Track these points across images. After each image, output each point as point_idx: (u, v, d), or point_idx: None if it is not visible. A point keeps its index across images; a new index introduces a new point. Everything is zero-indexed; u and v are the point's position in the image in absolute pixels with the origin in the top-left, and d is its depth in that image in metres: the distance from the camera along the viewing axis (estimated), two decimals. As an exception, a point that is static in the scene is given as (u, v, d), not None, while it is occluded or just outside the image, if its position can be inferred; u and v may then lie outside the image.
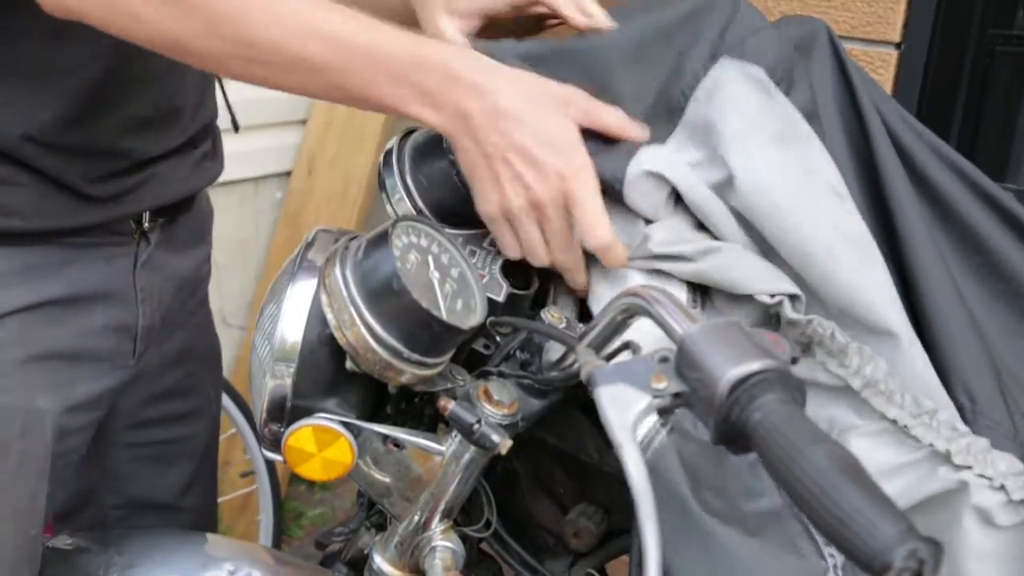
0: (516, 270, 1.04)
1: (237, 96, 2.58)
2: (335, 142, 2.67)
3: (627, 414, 0.75)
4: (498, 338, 1.02)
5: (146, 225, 1.26)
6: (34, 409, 1.18)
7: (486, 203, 0.97)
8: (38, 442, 1.20)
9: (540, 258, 0.99)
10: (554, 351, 0.99)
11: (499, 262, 1.03)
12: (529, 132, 0.93)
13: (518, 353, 1.01)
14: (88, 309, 1.21)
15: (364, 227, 2.63)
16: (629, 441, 0.73)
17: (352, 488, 2.95)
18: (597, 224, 0.95)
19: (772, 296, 0.94)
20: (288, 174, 2.79)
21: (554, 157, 0.94)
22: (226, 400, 2.22)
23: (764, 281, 0.95)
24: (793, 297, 0.95)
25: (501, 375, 0.98)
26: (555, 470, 1.09)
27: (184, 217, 1.34)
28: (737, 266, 0.96)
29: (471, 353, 1.02)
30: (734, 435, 0.71)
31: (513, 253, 1.00)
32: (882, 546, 0.61)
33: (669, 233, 0.98)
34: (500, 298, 1.00)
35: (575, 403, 1.03)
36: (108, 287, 1.23)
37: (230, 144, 2.66)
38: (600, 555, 1.11)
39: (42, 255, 1.16)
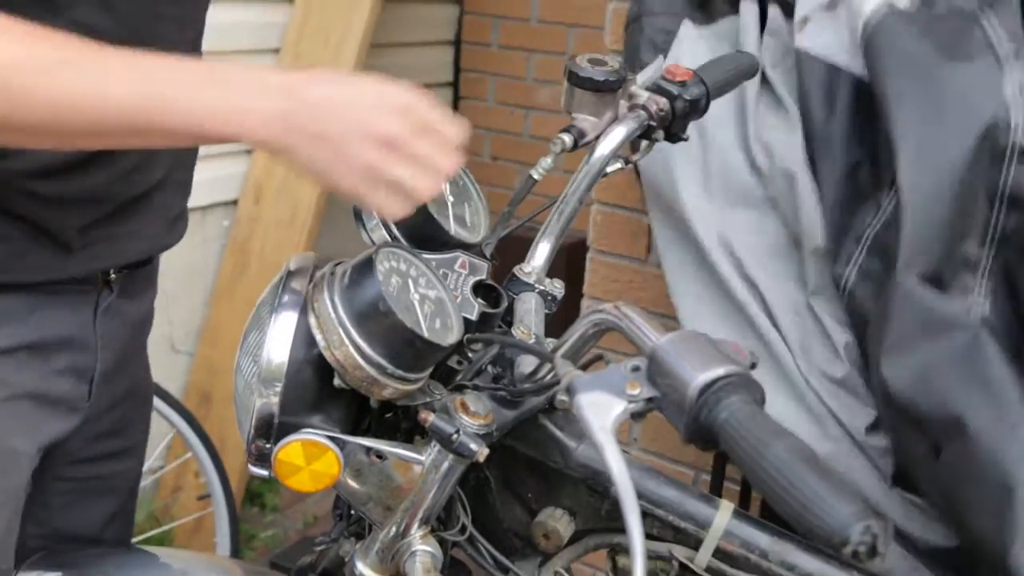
0: (486, 292, 1.11)
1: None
2: (282, 170, 2.72)
3: (606, 418, 0.83)
4: (470, 354, 1.10)
5: (112, 276, 1.31)
6: (11, 449, 1.23)
7: (344, 175, 0.95)
8: (15, 480, 1.24)
9: (431, 186, 0.97)
10: (525, 364, 1.06)
11: (470, 283, 1.10)
12: (351, 96, 0.96)
13: (489, 368, 1.08)
14: (55, 354, 1.26)
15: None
16: (610, 442, 0.81)
17: (302, 511, 3.00)
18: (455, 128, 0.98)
19: None
20: (235, 202, 2.83)
21: (386, 100, 0.96)
22: (183, 424, 2.26)
23: None
24: None
25: (476, 388, 1.06)
26: (524, 476, 1.16)
27: (144, 267, 1.39)
28: None
29: (446, 369, 1.09)
30: (703, 433, 0.80)
31: (398, 207, 0.98)
32: (840, 524, 0.70)
33: None
34: (473, 317, 1.07)
35: (542, 412, 1.11)
36: (71, 333, 1.27)
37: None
38: (567, 555, 1.18)
39: (11, 301, 1.20)
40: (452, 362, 1.09)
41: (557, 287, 1.17)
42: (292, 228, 2.69)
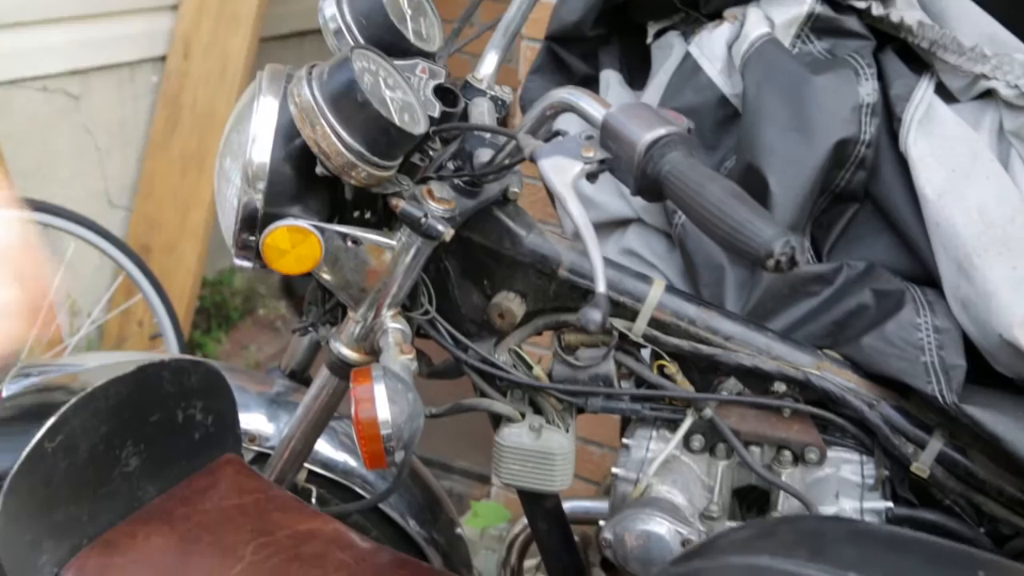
0: (444, 95, 1.24)
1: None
2: (210, 25, 2.77)
3: (566, 176, 0.97)
4: (432, 153, 1.23)
5: None
6: None
7: None
8: None
9: None
10: (482, 156, 1.20)
11: (431, 86, 1.22)
12: None
13: (450, 164, 1.22)
14: None
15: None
16: (570, 195, 0.96)
17: (244, 358, 3.12)
18: None
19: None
20: (163, 58, 2.87)
21: None
22: (130, 265, 2.36)
23: None
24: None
25: (441, 178, 1.19)
26: (480, 264, 1.29)
27: None
28: None
29: (410, 165, 1.22)
30: (649, 184, 0.94)
31: None
32: (765, 240, 0.85)
33: None
34: (435, 114, 1.20)
35: (495, 205, 1.25)
36: None
37: (102, 30, 2.75)
38: (519, 335, 1.33)
39: None
40: (415, 159, 1.22)
41: (506, 92, 1.30)
42: (223, 82, 2.75)
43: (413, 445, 1.09)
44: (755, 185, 1.34)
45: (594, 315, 0.86)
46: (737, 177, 1.39)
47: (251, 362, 3.10)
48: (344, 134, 1.09)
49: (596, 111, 1.00)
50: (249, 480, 1.19)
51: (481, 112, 1.26)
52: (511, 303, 1.29)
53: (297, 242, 1.17)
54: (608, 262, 1.31)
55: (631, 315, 1.28)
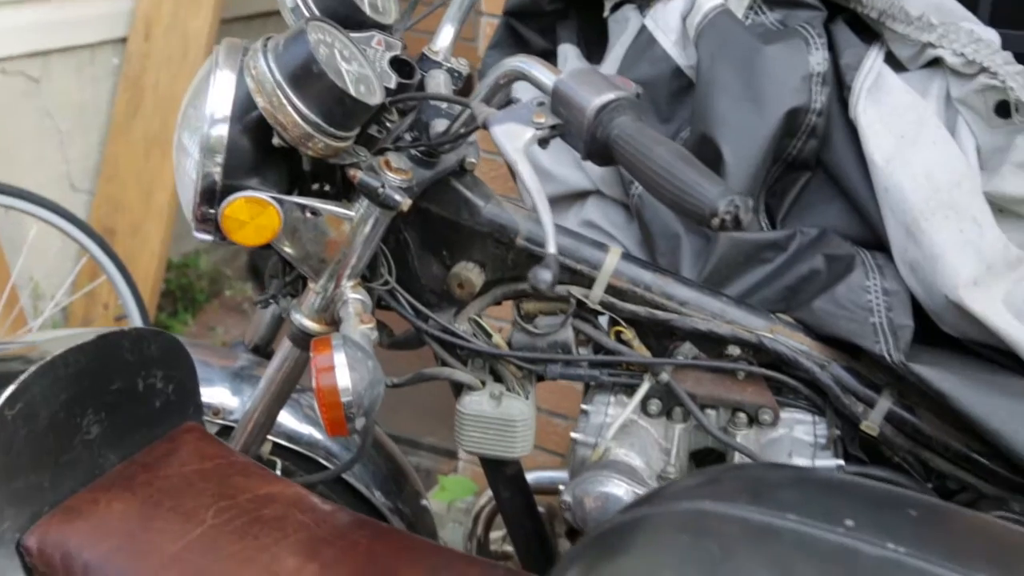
0: (400, 67, 1.25)
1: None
2: (171, 6, 2.76)
3: (518, 142, 0.99)
4: (389, 125, 1.24)
5: None
6: None
7: None
8: None
9: None
10: (439, 126, 1.21)
11: (387, 58, 1.24)
12: None
13: (407, 135, 1.23)
14: None
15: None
16: (522, 159, 0.98)
17: (210, 339, 3.12)
18: None
19: None
20: (123, 40, 2.86)
21: None
22: (94, 248, 2.36)
23: None
24: None
25: (398, 149, 1.20)
26: (438, 235, 1.31)
27: None
28: None
29: (367, 137, 1.23)
30: (599, 148, 0.96)
31: None
32: (710, 200, 0.88)
33: None
34: (392, 85, 1.21)
35: (453, 176, 1.26)
36: None
37: (62, 11, 2.74)
38: (478, 304, 1.35)
39: None
40: (373, 130, 1.23)
41: (462, 64, 1.32)
42: (185, 63, 2.75)
43: (374, 412, 1.10)
44: (709, 155, 1.36)
45: (544, 275, 0.88)
46: (691, 147, 1.42)
47: (217, 344, 3.10)
48: (300, 105, 1.10)
49: (547, 78, 1.02)
50: (210, 446, 1.21)
51: (437, 84, 1.28)
52: (470, 273, 1.31)
53: (256, 214, 1.18)
54: (565, 231, 1.33)
55: (588, 283, 1.30)
